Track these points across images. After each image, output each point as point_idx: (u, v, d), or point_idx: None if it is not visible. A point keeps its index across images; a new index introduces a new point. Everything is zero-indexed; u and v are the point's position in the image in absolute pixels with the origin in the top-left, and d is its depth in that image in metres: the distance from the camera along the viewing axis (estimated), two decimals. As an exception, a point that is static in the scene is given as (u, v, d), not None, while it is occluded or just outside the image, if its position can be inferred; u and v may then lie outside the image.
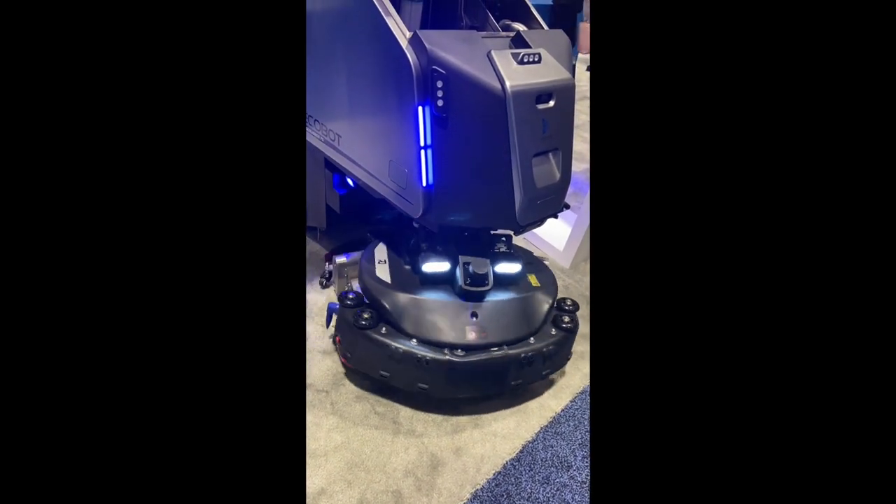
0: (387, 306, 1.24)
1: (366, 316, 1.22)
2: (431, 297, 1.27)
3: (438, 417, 1.34)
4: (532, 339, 1.29)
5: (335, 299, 1.50)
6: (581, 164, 3.20)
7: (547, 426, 1.38)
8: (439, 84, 1.03)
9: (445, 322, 1.23)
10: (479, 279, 1.27)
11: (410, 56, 1.03)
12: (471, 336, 1.22)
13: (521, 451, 1.29)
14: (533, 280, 1.44)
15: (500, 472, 1.23)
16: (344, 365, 1.41)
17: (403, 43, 1.04)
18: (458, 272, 1.28)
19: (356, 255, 1.51)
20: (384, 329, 1.22)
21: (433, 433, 1.30)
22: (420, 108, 1.07)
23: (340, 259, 1.56)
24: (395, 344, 1.19)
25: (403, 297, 1.26)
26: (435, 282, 1.31)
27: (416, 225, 1.27)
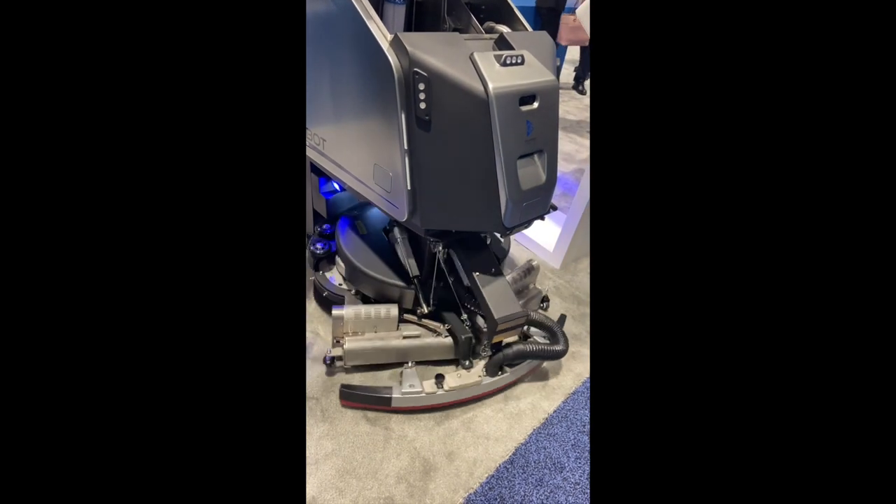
0: None
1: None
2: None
3: (430, 422, 1.33)
4: None
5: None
6: (570, 164, 3.21)
7: (540, 428, 1.37)
8: (421, 86, 1.03)
9: None
10: None
11: (392, 58, 1.03)
12: None
13: (513, 454, 1.29)
14: None
15: (493, 476, 1.23)
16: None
17: (385, 45, 1.04)
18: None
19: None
20: None
21: (425, 438, 1.29)
22: (402, 111, 1.06)
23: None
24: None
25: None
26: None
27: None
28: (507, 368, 1.42)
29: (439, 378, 1.35)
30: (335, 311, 1.39)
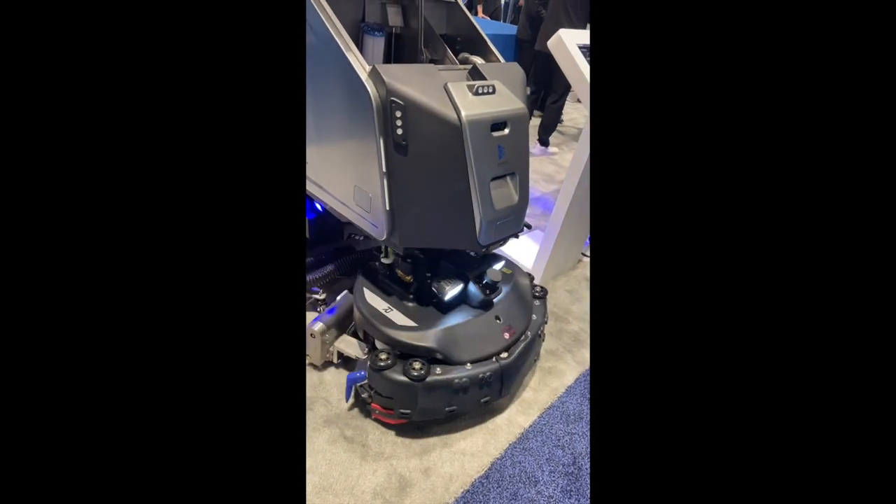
0: (434, 346, 1.29)
1: (417, 366, 1.25)
2: (462, 320, 1.36)
3: (407, 439, 1.35)
4: (534, 316, 1.52)
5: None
6: (549, 185, 3.31)
7: (515, 442, 1.40)
8: (398, 114, 1.09)
9: (486, 335, 1.37)
10: (494, 286, 1.46)
11: (370, 88, 1.09)
12: (507, 336, 1.39)
13: (489, 469, 1.31)
14: (505, 270, 1.61)
15: (468, 491, 1.24)
16: (398, 425, 1.36)
17: (363, 76, 1.10)
18: (473, 287, 1.44)
19: (331, 316, 1.46)
20: (439, 369, 1.28)
21: (402, 454, 1.30)
22: (381, 137, 1.12)
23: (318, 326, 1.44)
24: (457, 377, 1.27)
25: (442, 333, 1.31)
26: (452, 305, 1.42)
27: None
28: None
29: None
30: None
